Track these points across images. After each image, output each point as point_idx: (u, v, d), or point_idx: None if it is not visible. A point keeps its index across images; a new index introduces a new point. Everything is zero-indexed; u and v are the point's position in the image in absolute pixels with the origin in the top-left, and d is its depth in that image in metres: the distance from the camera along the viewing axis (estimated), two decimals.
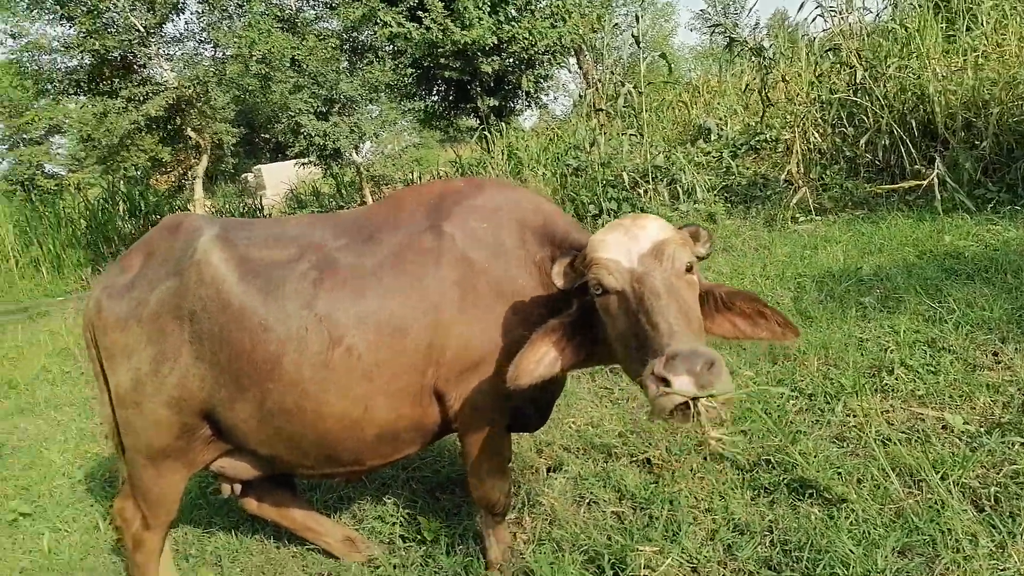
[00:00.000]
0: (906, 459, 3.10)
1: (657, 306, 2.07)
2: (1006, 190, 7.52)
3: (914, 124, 8.80)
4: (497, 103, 15.16)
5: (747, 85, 10.86)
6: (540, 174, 10.88)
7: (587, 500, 3.37)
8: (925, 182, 7.64)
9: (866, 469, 3.12)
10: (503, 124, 15.20)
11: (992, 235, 6.08)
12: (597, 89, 10.98)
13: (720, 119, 12.29)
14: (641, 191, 9.56)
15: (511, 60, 14.52)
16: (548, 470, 3.74)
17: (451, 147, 21.88)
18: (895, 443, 3.26)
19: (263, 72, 11.65)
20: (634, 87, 9.62)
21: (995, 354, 3.89)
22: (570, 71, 18.64)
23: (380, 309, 2.62)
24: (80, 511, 4.16)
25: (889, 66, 9.29)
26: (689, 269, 2.25)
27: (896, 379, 3.85)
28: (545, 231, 2.73)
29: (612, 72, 11.45)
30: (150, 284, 2.71)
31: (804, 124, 9.64)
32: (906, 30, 9.52)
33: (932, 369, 3.91)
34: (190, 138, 13.15)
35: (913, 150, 8.47)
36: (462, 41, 13.14)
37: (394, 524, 3.45)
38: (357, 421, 2.65)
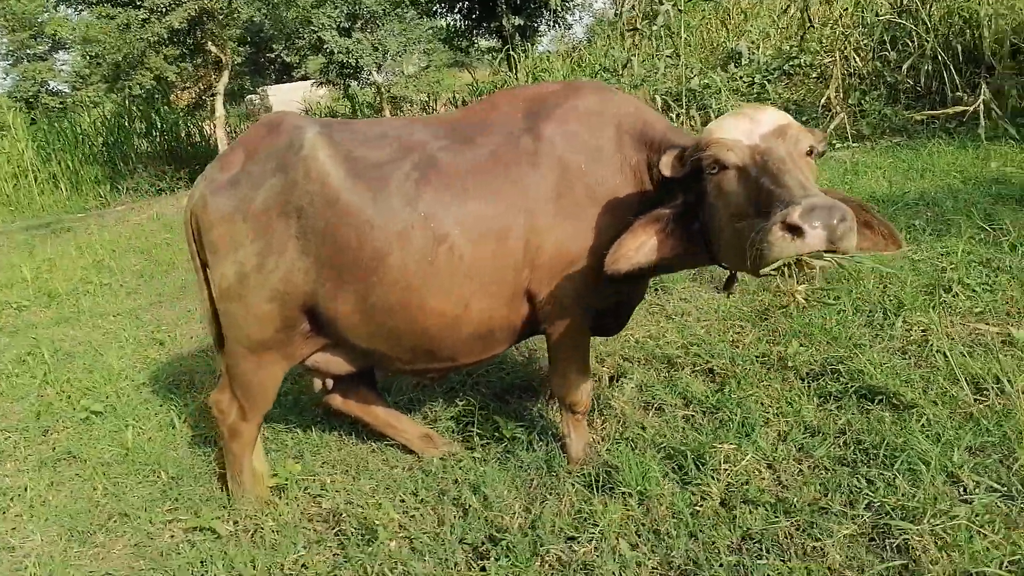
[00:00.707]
0: (971, 369, 3.20)
1: (784, 168, 2.12)
2: None
3: (959, 49, 8.62)
4: (522, 22, 14.81)
5: (788, 6, 10.57)
6: None
7: (655, 405, 3.48)
8: (971, 108, 7.54)
9: (932, 378, 3.22)
10: (528, 44, 14.92)
11: None
12: (634, 7, 10.70)
13: (752, 43, 12.00)
14: (673, 115, 9.44)
15: None
16: (610, 379, 3.85)
17: (466, 70, 21.47)
18: (958, 355, 3.35)
19: None
20: (673, 5, 9.37)
21: None
22: None
23: (481, 210, 2.67)
24: (150, 411, 4.30)
25: None
26: (810, 153, 2.27)
27: (954, 296, 3.93)
28: (643, 135, 2.74)
29: None
30: (255, 180, 2.74)
31: (845, 47, 9.44)
32: None
33: (989, 287, 3.98)
34: (210, 52, 12.92)
35: (956, 77, 8.33)
36: None
37: (467, 424, 3.58)
38: (456, 318, 2.73)
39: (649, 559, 2.48)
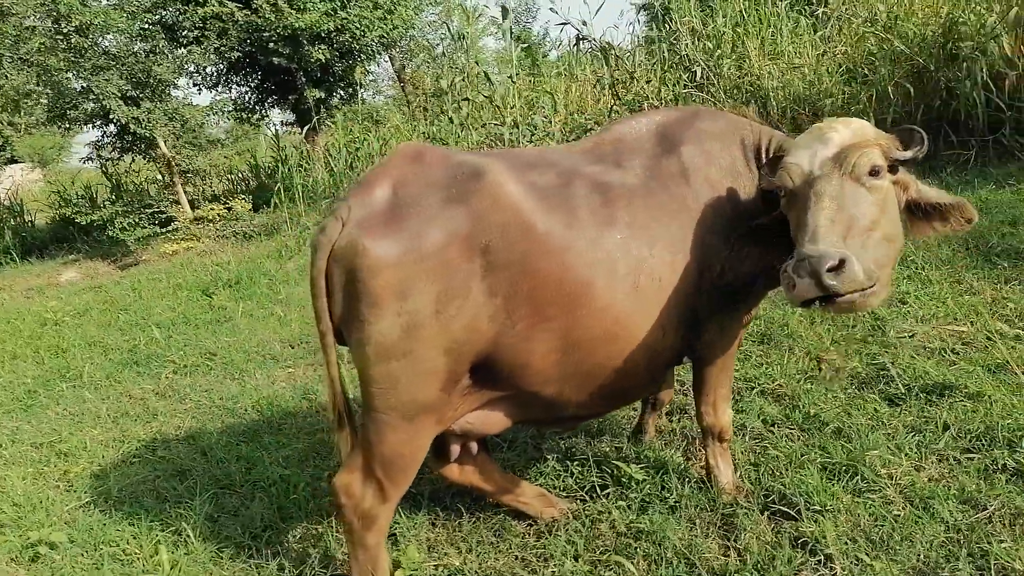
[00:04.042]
0: None
1: (812, 207, 2.22)
2: None
3: None
4: (322, 95, 14.47)
5: (598, 80, 11.56)
6: None
7: (747, 430, 3.50)
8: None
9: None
10: (326, 117, 14.60)
11: None
12: (465, 78, 11.00)
13: (545, 117, 12.70)
14: None
15: (338, 50, 13.97)
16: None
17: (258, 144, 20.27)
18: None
19: (83, 46, 9.96)
20: (509, 77, 9.83)
21: None
22: (393, 63, 18.37)
23: (666, 230, 2.58)
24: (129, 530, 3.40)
25: (721, 66, 10.56)
26: (875, 173, 2.32)
27: None
28: (761, 150, 2.78)
29: (478, 62, 11.54)
30: (424, 215, 2.36)
31: None
32: (735, 32, 10.82)
33: None
34: None
35: None
36: (295, 25, 12.39)
37: (558, 475, 3.32)
38: (654, 346, 2.58)
39: (894, 566, 2.48)
